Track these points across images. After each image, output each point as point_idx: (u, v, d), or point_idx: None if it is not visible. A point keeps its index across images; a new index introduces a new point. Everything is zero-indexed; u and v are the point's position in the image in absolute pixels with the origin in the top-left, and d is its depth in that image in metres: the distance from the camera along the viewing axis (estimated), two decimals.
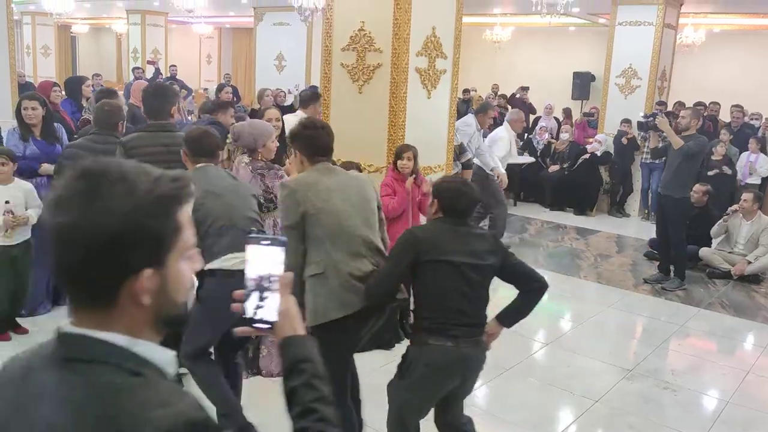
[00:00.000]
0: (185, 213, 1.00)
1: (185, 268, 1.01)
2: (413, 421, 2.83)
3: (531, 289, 2.78)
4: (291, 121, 5.89)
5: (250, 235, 1.20)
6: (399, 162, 4.50)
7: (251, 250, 1.19)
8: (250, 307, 1.20)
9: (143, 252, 0.94)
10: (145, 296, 0.95)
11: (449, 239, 2.65)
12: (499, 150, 7.27)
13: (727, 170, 8.36)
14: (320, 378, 1.21)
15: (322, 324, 2.72)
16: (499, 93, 12.92)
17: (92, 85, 9.15)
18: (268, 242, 1.20)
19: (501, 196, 7.49)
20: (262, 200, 3.52)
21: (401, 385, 2.75)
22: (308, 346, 1.23)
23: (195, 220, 3.35)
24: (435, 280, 2.62)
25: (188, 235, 1.01)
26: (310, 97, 6.09)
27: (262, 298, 1.20)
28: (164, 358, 0.99)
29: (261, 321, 1.20)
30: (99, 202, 0.91)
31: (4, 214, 4.15)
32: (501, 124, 7.83)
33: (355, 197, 2.86)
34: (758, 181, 8.52)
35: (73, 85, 6.50)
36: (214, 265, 2.96)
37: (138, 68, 13.62)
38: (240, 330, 1.24)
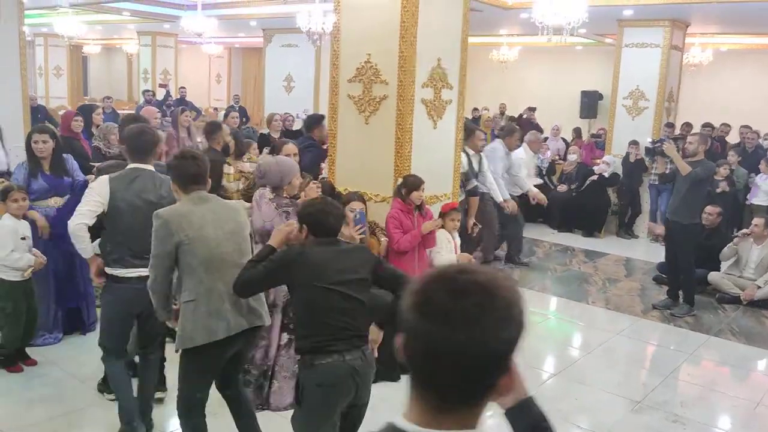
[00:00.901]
0: None
1: None
2: None
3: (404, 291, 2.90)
4: None
5: None
6: (415, 193, 4.53)
7: None
8: None
9: (514, 352, 1.03)
10: (506, 393, 1.05)
11: (322, 261, 2.68)
12: (521, 171, 7.50)
13: (725, 187, 8.21)
14: None
15: (190, 349, 2.87)
16: (506, 114, 12.94)
17: (103, 109, 9.29)
18: None
19: (516, 215, 7.52)
20: None
21: (301, 412, 2.75)
22: (541, 407, 1.38)
23: (102, 225, 3.43)
24: (310, 302, 2.67)
25: None
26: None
27: None
28: None
29: None
30: (496, 314, 0.98)
31: (28, 251, 4.28)
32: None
33: (228, 225, 3.00)
34: (765, 203, 8.43)
35: (85, 113, 6.58)
36: (115, 271, 3.31)
37: (148, 91, 13.76)
38: None
